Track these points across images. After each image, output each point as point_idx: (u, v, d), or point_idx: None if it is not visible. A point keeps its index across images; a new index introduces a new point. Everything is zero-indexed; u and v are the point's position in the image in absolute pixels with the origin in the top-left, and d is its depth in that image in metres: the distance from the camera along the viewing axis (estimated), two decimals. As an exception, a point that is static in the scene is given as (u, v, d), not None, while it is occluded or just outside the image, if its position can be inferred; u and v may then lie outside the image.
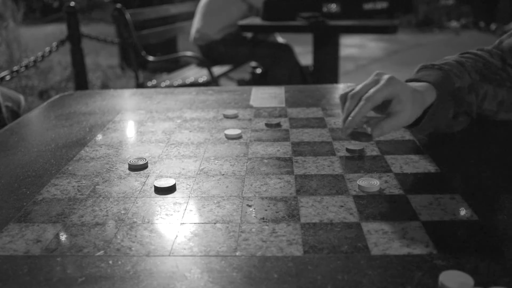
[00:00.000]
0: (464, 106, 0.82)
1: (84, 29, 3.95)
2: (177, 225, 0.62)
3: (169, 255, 0.55)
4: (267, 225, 0.61)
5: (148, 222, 0.63)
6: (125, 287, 0.49)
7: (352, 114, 0.71)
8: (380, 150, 0.85)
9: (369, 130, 0.74)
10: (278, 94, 1.26)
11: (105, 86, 4.89)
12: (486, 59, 0.89)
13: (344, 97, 0.76)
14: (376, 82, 0.73)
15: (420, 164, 0.78)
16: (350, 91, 0.75)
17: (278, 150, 0.86)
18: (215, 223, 0.62)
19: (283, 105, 1.15)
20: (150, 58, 3.16)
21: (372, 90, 0.71)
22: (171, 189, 0.72)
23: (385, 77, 0.72)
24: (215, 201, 0.68)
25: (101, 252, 0.56)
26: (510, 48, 0.90)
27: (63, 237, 0.60)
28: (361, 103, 0.71)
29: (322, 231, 0.59)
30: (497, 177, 0.73)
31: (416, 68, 0.86)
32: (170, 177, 0.76)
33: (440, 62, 0.85)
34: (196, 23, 3.53)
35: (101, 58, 5.86)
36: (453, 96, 0.80)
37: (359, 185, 0.70)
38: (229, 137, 0.93)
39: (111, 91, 1.36)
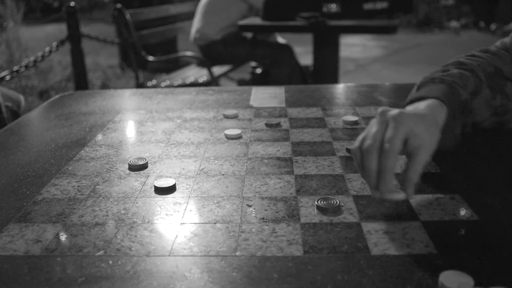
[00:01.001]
0: (471, 116, 0.78)
1: (84, 29, 3.95)
2: (177, 225, 0.62)
3: (169, 255, 0.55)
4: (267, 225, 0.61)
5: (148, 222, 0.63)
6: (125, 287, 0.50)
7: (383, 178, 0.60)
8: (380, 150, 0.85)
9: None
10: (278, 94, 1.26)
11: (105, 86, 4.89)
12: (497, 67, 0.84)
13: (357, 153, 0.64)
14: (384, 124, 0.63)
15: (420, 164, 0.78)
16: (362, 144, 0.64)
17: (278, 150, 0.86)
18: (215, 223, 0.62)
19: (283, 105, 1.15)
20: (150, 58, 3.16)
21: (388, 138, 0.61)
22: (171, 189, 0.72)
23: (393, 115, 0.63)
24: (215, 201, 0.68)
25: (101, 252, 0.56)
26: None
27: (63, 237, 0.60)
28: (384, 161, 0.60)
29: (322, 231, 0.59)
30: (497, 177, 0.73)
31: (416, 85, 0.80)
32: (170, 177, 0.77)
33: (441, 73, 0.80)
34: (196, 23, 3.53)
35: (101, 58, 5.86)
36: (460, 109, 0.75)
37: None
38: (229, 137, 0.93)
39: (111, 91, 1.36)
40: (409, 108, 0.71)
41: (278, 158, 0.83)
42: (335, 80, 3.31)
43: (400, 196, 0.61)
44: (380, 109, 0.66)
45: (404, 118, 0.63)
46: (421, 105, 0.71)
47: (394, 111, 0.64)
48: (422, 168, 0.62)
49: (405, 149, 0.63)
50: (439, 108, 0.71)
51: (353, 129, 0.96)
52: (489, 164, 0.78)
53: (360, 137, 0.65)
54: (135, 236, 0.60)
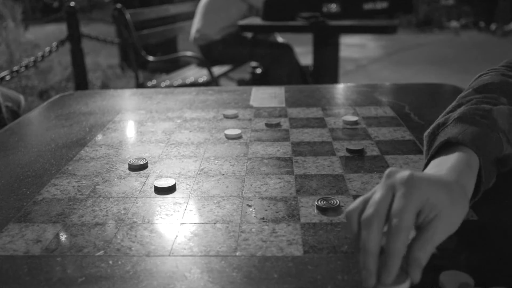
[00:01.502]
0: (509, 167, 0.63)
1: (84, 29, 3.95)
2: (177, 225, 0.62)
3: (169, 255, 0.55)
4: (267, 225, 0.61)
5: (148, 222, 0.63)
6: (125, 287, 0.49)
7: (387, 264, 0.45)
8: (380, 150, 0.85)
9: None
10: (278, 94, 1.26)
11: (105, 86, 4.89)
12: None
13: (353, 218, 0.49)
14: (390, 190, 0.48)
15: (420, 164, 0.78)
16: (362, 207, 0.49)
17: (278, 150, 0.86)
18: (215, 223, 0.62)
19: (283, 105, 1.15)
20: (150, 58, 3.16)
21: (396, 211, 0.46)
22: (171, 189, 0.72)
23: (402, 179, 0.48)
24: (215, 201, 0.68)
25: (101, 252, 0.56)
26: None
27: (63, 237, 0.60)
28: (391, 242, 0.45)
29: (322, 231, 0.59)
30: (497, 177, 0.73)
31: (445, 116, 0.65)
32: (170, 177, 0.76)
33: (480, 105, 0.64)
34: (196, 23, 3.53)
35: (101, 58, 5.86)
36: (497, 164, 0.61)
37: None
38: (229, 137, 0.93)
39: (111, 91, 1.36)
40: (429, 171, 0.57)
41: (278, 158, 0.83)
42: (335, 80, 3.31)
43: (404, 286, 0.47)
44: (387, 170, 0.51)
45: (418, 183, 0.48)
46: (443, 166, 0.56)
47: (404, 173, 0.49)
48: (434, 247, 0.48)
49: (417, 221, 0.48)
50: (467, 171, 0.56)
51: (353, 129, 0.96)
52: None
53: (359, 200, 0.50)
54: (135, 236, 0.60)
